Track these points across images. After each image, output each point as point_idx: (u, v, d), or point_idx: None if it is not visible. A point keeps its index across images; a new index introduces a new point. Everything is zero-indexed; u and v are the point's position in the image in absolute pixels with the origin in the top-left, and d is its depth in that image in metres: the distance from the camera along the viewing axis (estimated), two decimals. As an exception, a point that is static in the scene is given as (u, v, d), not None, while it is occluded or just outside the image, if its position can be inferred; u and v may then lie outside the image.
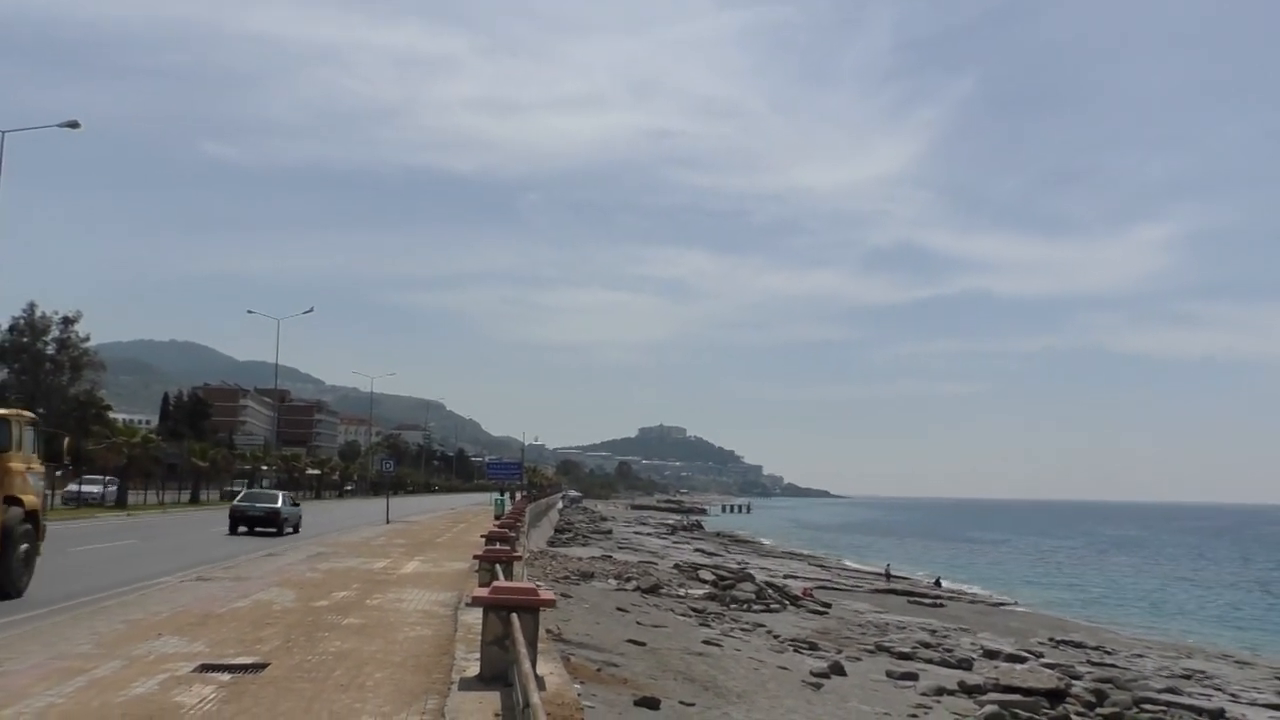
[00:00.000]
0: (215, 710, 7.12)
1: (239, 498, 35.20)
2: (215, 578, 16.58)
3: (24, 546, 14.56)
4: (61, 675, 8.16)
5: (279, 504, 32.54)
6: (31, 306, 72.02)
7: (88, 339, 75.16)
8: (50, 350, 71.97)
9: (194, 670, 8.52)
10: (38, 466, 15.97)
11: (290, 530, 32.36)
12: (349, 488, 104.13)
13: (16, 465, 14.75)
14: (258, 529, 31.08)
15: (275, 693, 7.71)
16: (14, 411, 16.01)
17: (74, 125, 38.53)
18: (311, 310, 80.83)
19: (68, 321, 72.98)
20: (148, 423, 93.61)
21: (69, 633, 10.47)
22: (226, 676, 8.31)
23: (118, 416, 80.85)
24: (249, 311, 74.50)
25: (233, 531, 30.77)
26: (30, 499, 14.98)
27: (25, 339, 70.52)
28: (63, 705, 7.14)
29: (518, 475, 73.45)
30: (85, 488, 50.06)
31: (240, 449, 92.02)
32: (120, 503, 47.29)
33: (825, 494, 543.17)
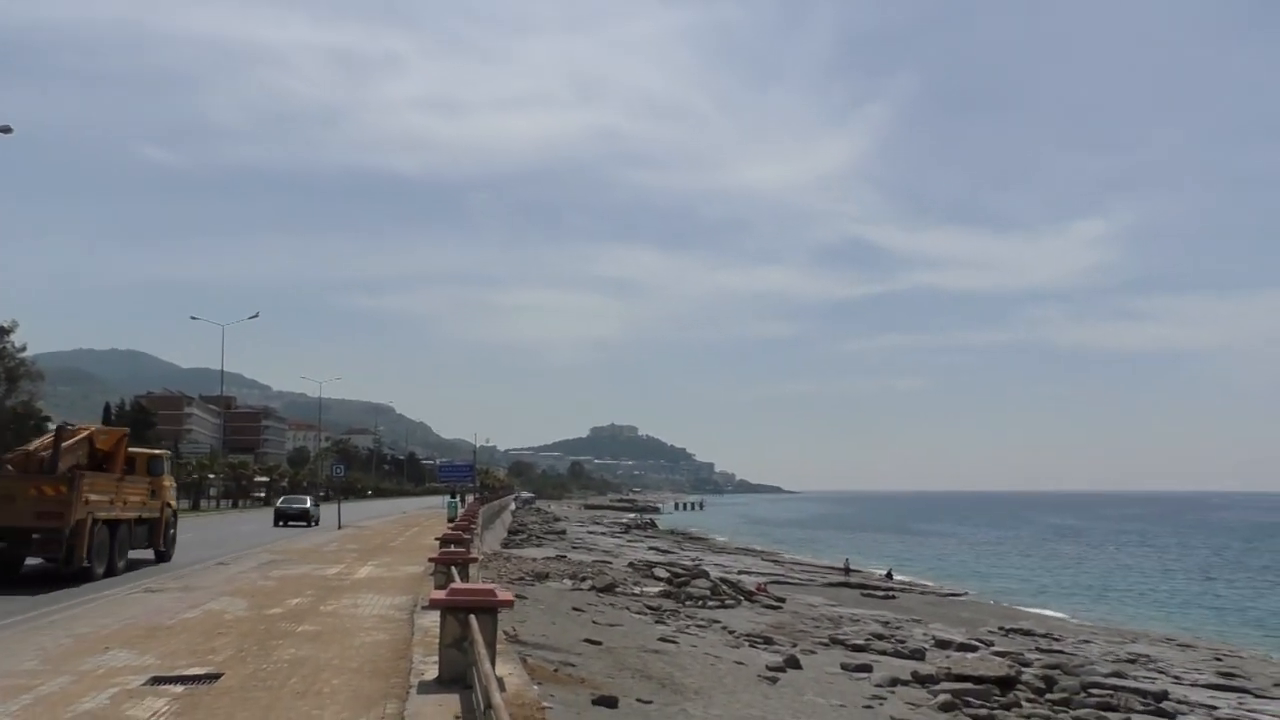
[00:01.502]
0: (169, 722, 7.02)
1: (281, 500, 51.49)
2: (164, 589, 16.30)
3: (172, 532, 24.26)
4: (7, 693, 7.99)
5: (309, 505, 46.57)
6: (-35, 316, 70.10)
7: (24, 349, 73.25)
8: (-15, 361, 70.13)
9: (145, 683, 8.39)
10: (172, 483, 25.85)
11: (315, 523, 44.06)
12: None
13: (168, 483, 24.63)
14: (292, 523, 43.31)
15: (230, 703, 7.62)
16: (164, 451, 28.58)
17: (5, 130, 37.60)
18: (257, 316, 79.85)
19: (3, 331, 71.13)
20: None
21: (14, 648, 10.24)
22: (179, 688, 8.18)
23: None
24: (192, 318, 73.42)
25: (276, 524, 42.46)
26: (173, 504, 25.17)
27: (-41, 350, 68.66)
28: (10, 722, 7.00)
29: (470, 477, 73.12)
30: None
31: (186, 458, 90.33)
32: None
33: (778, 490, 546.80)
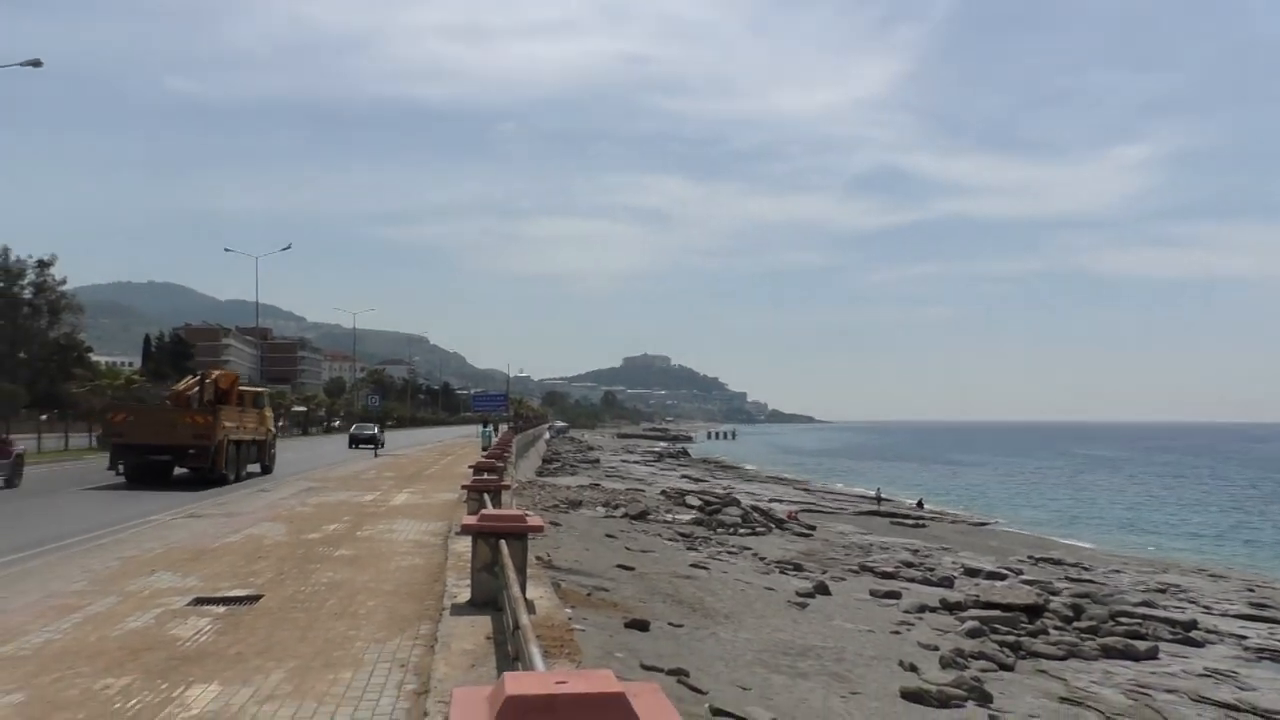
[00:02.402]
0: (211, 641, 7.26)
1: (354, 428, 59.85)
2: (207, 514, 16.70)
3: (272, 451, 30.72)
4: (58, 612, 8.28)
5: (375, 431, 52.08)
6: (5, 251, 70.97)
7: (64, 282, 74.20)
8: (27, 294, 71.20)
9: (189, 604, 8.66)
10: (270, 414, 32.32)
11: (381, 446, 48.36)
12: (335, 423, 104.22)
13: (268, 414, 31.13)
14: (362, 446, 49.54)
15: (270, 623, 7.86)
16: (265, 389, 35.88)
17: (36, 64, 37.59)
18: (289, 247, 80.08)
19: (43, 265, 72.05)
20: (130, 365, 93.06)
21: (63, 571, 10.58)
22: (221, 609, 8.45)
23: (99, 359, 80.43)
24: (226, 250, 73.70)
25: (350, 447, 49.75)
26: (272, 430, 31.76)
27: (1, 284, 69.71)
28: (60, 641, 7.26)
29: (503, 407, 73.66)
30: None
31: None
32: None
33: (809, 419, 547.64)
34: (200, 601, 8.75)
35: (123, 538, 13.54)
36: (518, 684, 2.50)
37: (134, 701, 5.71)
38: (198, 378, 28.98)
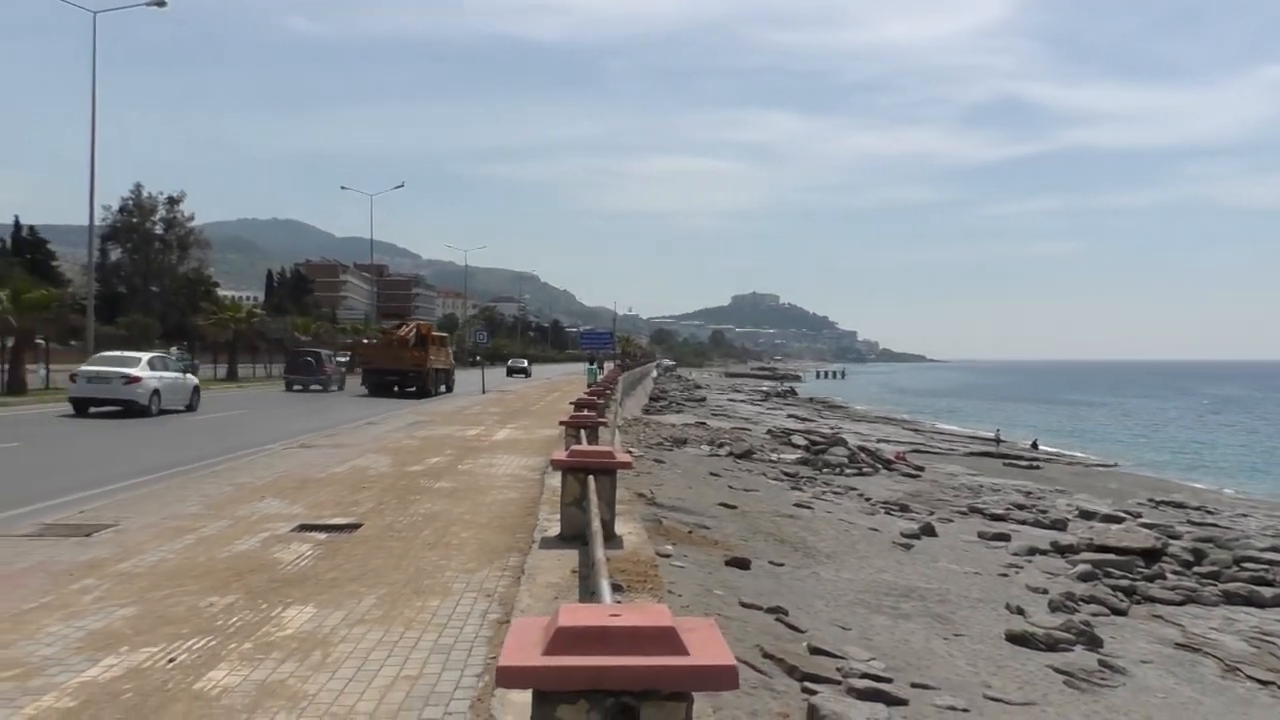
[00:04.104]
0: (310, 565, 7.47)
1: (510, 361, 79.30)
2: (317, 445, 17.25)
3: (452, 378, 43.84)
4: (174, 533, 8.66)
5: (526, 364, 69.96)
6: (138, 188, 74.11)
7: (192, 218, 77.31)
8: (158, 230, 74.39)
9: (293, 530, 8.94)
10: (450, 351, 45.83)
11: (529, 375, 71.57)
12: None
13: (449, 351, 45.27)
14: (515, 375, 69.98)
15: (367, 550, 8.05)
16: (446, 335, 49.80)
17: (160, 4, 38.77)
18: (402, 185, 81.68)
19: (173, 201, 75.08)
20: (254, 299, 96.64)
21: (181, 495, 11.06)
22: (322, 536, 8.70)
23: (225, 294, 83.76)
24: (342, 188, 75.91)
25: (508, 376, 66.49)
26: (452, 363, 45.25)
27: (134, 219, 72.92)
28: (173, 560, 7.59)
29: (610, 345, 73.94)
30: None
31: (341, 323, 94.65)
32: (231, 376, 49.30)
33: (921, 359, 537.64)
34: (304, 528, 9.03)
35: (237, 466, 14.08)
36: (572, 615, 2.48)
37: (235, 619, 5.92)
38: (412, 326, 42.17)
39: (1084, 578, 17.08)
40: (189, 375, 28.73)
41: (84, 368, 25.18)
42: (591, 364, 53.07)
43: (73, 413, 24.13)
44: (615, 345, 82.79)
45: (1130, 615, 15.26)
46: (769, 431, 47.12)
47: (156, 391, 24.79)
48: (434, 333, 42.42)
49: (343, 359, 48.74)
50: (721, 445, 35.91)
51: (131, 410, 23.82)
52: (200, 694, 4.62)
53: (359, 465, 14.15)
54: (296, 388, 40.43)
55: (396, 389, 38.37)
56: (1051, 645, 12.39)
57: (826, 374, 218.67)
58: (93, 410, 24.15)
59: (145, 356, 26.42)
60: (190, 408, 26.71)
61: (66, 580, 6.87)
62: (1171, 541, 20.65)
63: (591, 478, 7.14)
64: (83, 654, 5.21)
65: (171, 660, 5.11)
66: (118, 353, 27.54)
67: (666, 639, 2.36)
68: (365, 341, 47.18)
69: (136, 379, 24.31)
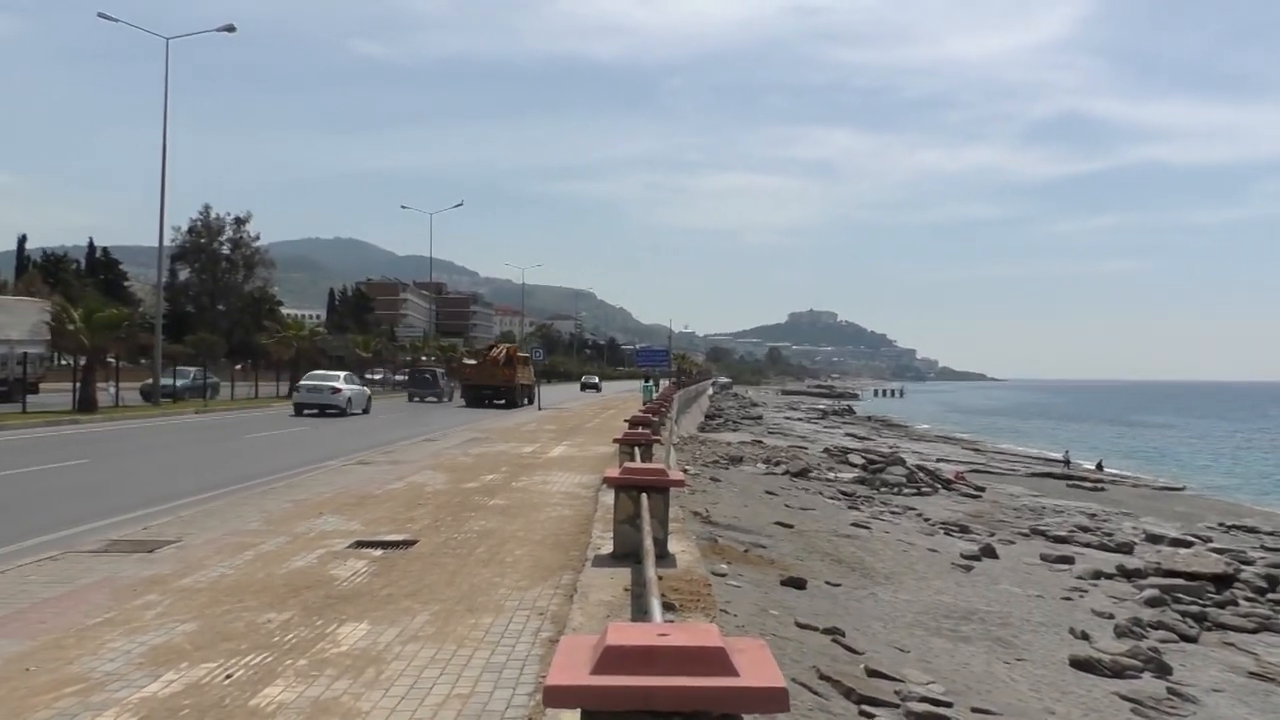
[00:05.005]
0: (365, 582, 7.52)
1: (583, 377, 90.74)
2: (375, 462, 17.43)
3: (537, 392, 46.74)
4: (234, 549, 8.79)
5: (597, 380, 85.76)
6: (206, 209, 76.06)
7: (258, 238, 79.08)
8: (225, 250, 76.15)
9: (349, 546, 9.02)
10: (533, 369, 50.48)
11: (599, 390, 79.57)
12: None
13: (532, 369, 50.20)
14: (588, 390, 79.36)
15: (421, 567, 8.10)
16: (528, 355, 51.96)
17: (230, 29, 39.79)
18: (461, 204, 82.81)
19: (239, 222, 76.87)
20: (316, 317, 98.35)
21: (242, 511, 11.22)
22: (378, 552, 8.76)
23: (288, 312, 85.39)
24: (403, 207, 77.32)
25: (581, 391, 74.77)
26: (534, 379, 49.30)
27: (203, 240, 74.74)
28: (233, 575, 7.69)
29: (665, 362, 73.94)
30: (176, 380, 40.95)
31: (401, 340, 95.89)
32: (293, 394, 50.15)
33: (981, 377, 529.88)
34: (360, 544, 9.10)
35: (296, 482, 14.28)
36: (620, 634, 2.43)
37: (291, 635, 5.97)
38: (502, 349, 49.52)
39: (1151, 603, 16.62)
40: (365, 388, 40.51)
41: (303, 383, 36.63)
42: (647, 381, 53.09)
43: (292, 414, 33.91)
44: (671, 363, 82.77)
45: (1200, 642, 14.81)
46: (826, 450, 46.70)
47: (350, 398, 35.66)
48: (518, 354, 48.95)
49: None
50: (778, 463, 35.66)
51: (337, 411, 34.55)
52: (256, 710, 4.66)
53: (415, 482, 14.27)
54: (416, 399, 49.60)
55: (489, 401, 44.96)
56: (1118, 672, 12.07)
57: (884, 392, 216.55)
58: (305, 412, 34.27)
59: (341, 375, 37.74)
60: (366, 411, 36.85)
61: (129, 596, 6.99)
62: (1244, 567, 20.02)
63: (645, 495, 7.10)
64: (144, 669, 5.29)
65: (229, 676, 5.17)
66: (323, 372, 39.17)
67: (716, 659, 2.31)
68: (465, 362, 54.87)
69: (339, 390, 35.39)
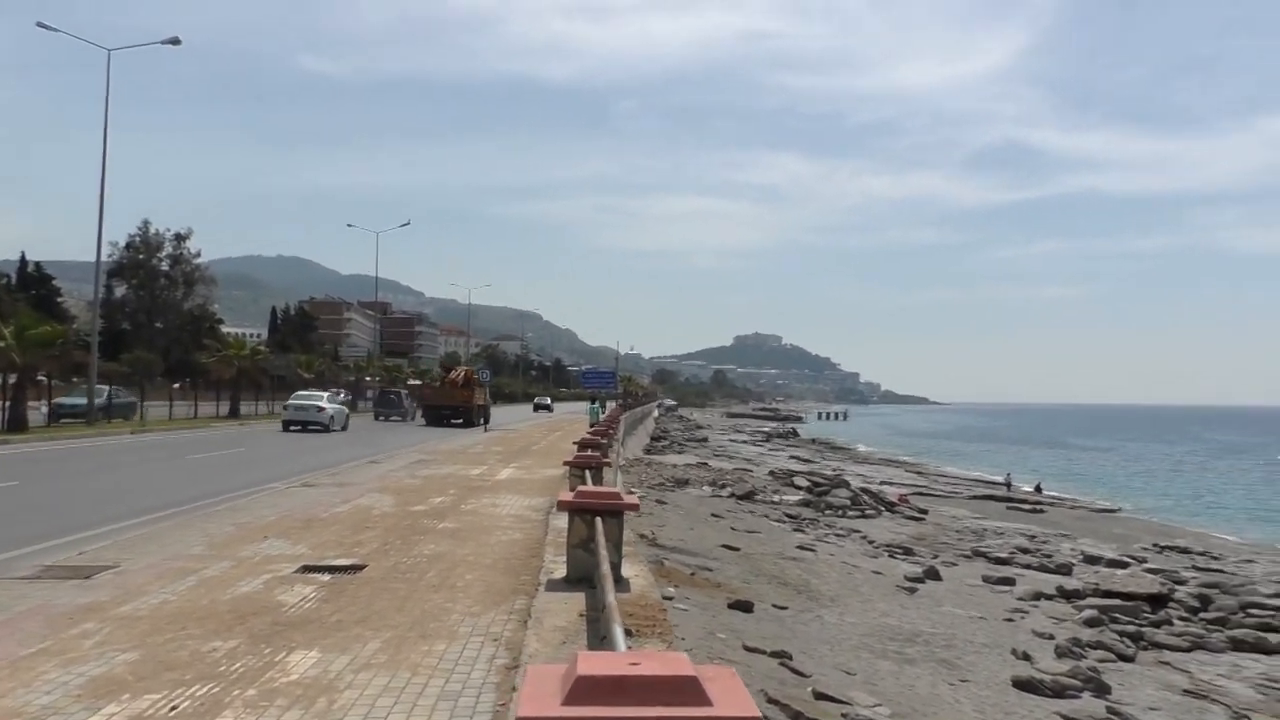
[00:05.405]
0: (314, 608, 7.40)
1: (536, 399, 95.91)
2: (320, 484, 17.17)
3: (489, 412, 50.80)
4: (176, 574, 8.59)
5: (549, 401, 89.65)
6: (145, 224, 74.51)
7: (199, 255, 77.61)
8: (164, 266, 74.63)
9: (296, 571, 8.87)
10: (486, 390, 53.32)
11: (551, 411, 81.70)
12: None
13: (486, 391, 53.29)
14: (541, 410, 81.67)
15: (371, 592, 7.99)
16: (479, 377, 52.40)
17: (175, 42, 39.23)
18: (408, 223, 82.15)
19: (180, 238, 75.42)
20: (257, 336, 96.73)
21: (183, 535, 10.98)
22: (326, 577, 8.63)
23: (229, 330, 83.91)
24: (348, 225, 76.58)
25: (534, 412, 77.69)
26: (488, 400, 52.88)
27: (141, 255, 73.18)
28: (175, 602, 7.51)
29: (612, 384, 73.92)
30: (68, 399, 38.85)
31: (344, 360, 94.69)
32: (233, 413, 49.23)
33: (924, 401, 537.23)
34: (307, 569, 8.95)
35: (238, 505, 14.02)
36: (590, 664, 2.43)
37: (238, 665, 5.84)
38: (460, 371, 53.68)
39: (1090, 623, 16.94)
40: (345, 408, 43.37)
41: (291, 402, 40.30)
42: (593, 403, 53.00)
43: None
44: (617, 384, 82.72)
45: (1137, 661, 15.10)
46: (771, 473, 46.91)
47: (333, 416, 38.96)
48: (474, 376, 52.00)
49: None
50: (723, 486, 35.76)
51: (320, 428, 37.80)
52: (204, 740, 4.55)
53: (362, 505, 14.08)
54: (382, 418, 52.55)
55: (448, 421, 47.76)
56: (1059, 692, 12.26)
57: (829, 415, 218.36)
58: (292, 428, 37.62)
59: (324, 395, 42.40)
60: (345, 428, 39.67)
61: (65, 624, 6.79)
62: (1177, 587, 20.50)
63: (599, 519, 7.09)
64: (82, 702, 5.12)
65: (174, 708, 5.04)
66: (308, 392, 44.18)
67: (689, 689, 2.32)
68: (426, 384, 59.99)
69: (323, 408, 38.96)
